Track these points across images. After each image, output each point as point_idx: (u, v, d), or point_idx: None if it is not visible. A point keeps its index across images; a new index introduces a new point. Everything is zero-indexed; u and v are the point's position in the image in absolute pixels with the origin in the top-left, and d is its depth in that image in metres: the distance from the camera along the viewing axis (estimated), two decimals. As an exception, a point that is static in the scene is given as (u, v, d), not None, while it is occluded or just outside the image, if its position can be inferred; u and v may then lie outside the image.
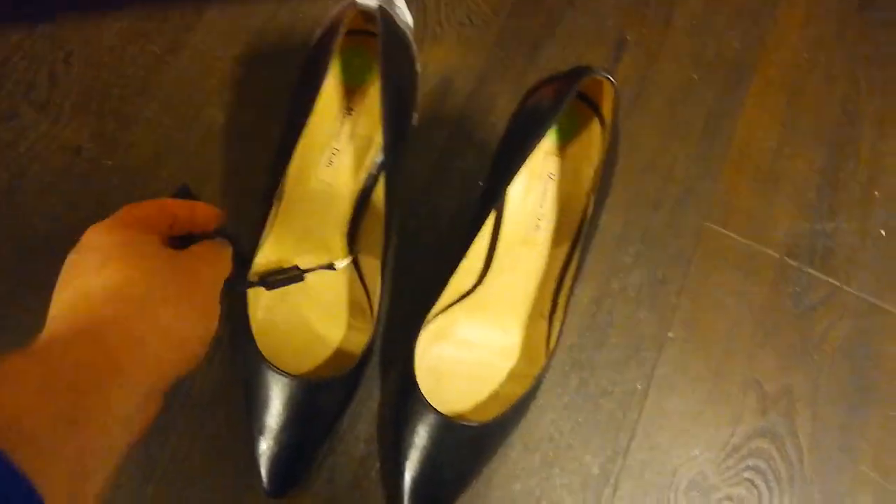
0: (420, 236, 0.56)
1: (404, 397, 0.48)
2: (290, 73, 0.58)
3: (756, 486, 0.53)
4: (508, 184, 0.44)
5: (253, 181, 0.55)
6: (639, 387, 0.54)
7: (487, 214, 0.46)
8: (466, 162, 0.58)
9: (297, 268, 0.47)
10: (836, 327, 0.58)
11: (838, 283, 0.59)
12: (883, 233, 0.61)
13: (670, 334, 0.56)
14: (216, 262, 0.36)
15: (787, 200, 0.60)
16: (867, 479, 0.54)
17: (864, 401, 0.56)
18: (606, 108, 0.47)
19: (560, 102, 0.41)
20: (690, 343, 0.56)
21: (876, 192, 0.61)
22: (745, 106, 0.62)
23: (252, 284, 0.45)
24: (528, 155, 0.43)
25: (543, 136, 0.42)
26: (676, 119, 0.61)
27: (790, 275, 0.59)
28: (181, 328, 0.31)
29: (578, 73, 0.42)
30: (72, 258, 0.31)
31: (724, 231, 0.59)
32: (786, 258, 0.59)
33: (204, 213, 0.38)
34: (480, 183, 0.57)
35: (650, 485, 0.52)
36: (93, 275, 0.30)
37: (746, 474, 0.53)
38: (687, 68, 0.62)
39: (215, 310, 0.34)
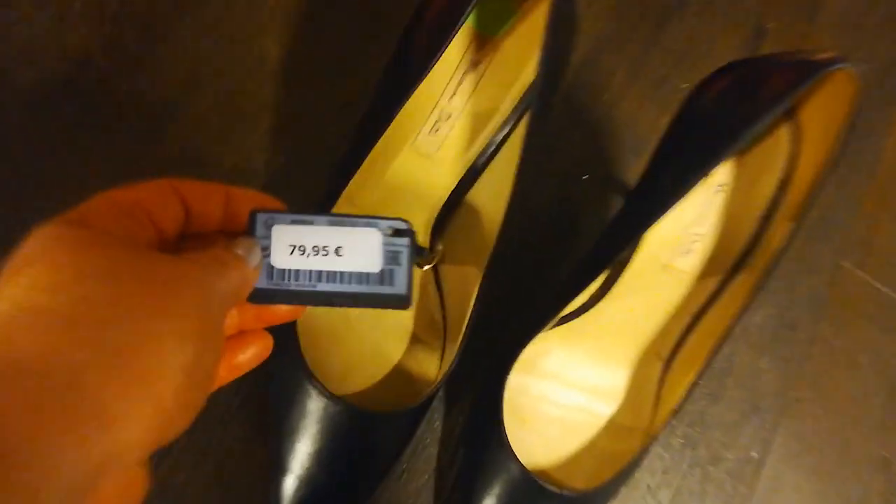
0: (508, 236, 0.44)
1: (481, 440, 0.38)
2: (374, 6, 0.46)
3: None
4: (674, 203, 0.33)
5: (314, 130, 0.43)
6: (754, 455, 0.44)
7: (634, 236, 0.35)
8: (572, 147, 0.46)
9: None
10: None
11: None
12: None
13: (795, 394, 0.45)
14: (219, 275, 0.23)
15: (932, 246, 0.51)
16: None
17: None
18: (813, 109, 0.35)
19: (781, 100, 0.30)
20: (817, 406, 0.46)
21: None
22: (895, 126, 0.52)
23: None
24: (711, 169, 0.31)
25: (740, 145, 0.31)
26: (820, 132, 0.50)
27: (930, 335, 0.49)
28: (151, 359, 0.18)
29: (818, 64, 0.30)
30: None
31: (860, 274, 0.49)
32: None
33: (248, 202, 0.25)
34: (585, 177, 0.46)
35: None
36: (3, 282, 0.19)
37: (864, 572, 0.44)
38: (836, 72, 0.52)
39: (214, 328, 0.22)
